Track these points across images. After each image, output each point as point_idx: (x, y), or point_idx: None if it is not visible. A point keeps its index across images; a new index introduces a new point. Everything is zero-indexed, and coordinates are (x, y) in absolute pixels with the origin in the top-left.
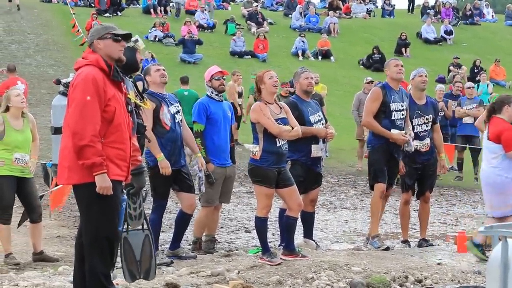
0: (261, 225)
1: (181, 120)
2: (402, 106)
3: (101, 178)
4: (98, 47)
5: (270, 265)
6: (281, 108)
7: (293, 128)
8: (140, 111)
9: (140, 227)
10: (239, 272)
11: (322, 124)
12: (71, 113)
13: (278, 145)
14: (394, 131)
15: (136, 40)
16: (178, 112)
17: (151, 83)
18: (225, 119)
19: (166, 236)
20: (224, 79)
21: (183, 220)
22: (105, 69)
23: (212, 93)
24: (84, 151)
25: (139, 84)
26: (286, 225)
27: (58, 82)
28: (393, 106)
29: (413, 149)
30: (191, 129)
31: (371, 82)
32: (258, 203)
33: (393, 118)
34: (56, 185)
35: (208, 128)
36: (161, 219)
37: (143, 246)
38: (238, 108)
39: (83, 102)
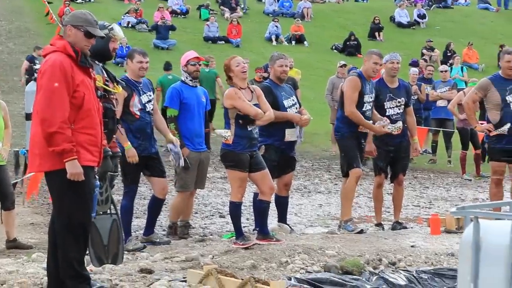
0: (235, 209)
1: (152, 109)
2: (371, 98)
3: (72, 164)
4: (68, 33)
5: (244, 248)
6: (252, 92)
7: (265, 113)
8: (111, 96)
9: (107, 211)
10: (213, 257)
11: (296, 108)
12: (39, 100)
13: (249, 129)
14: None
15: (111, 29)
16: (149, 101)
17: (129, 69)
18: (199, 104)
19: (140, 222)
20: (200, 65)
21: (156, 206)
22: (72, 55)
23: (187, 78)
24: (53, 138)
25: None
26: (259, 209)
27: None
28: (366, 97)
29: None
30: (164, 114)
31: (344, 65)
32: (232, 188)
33: (364, 109)
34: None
35: (182, 113)
36: (132, 204)
37: (111, 231)
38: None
39: (51, 89)
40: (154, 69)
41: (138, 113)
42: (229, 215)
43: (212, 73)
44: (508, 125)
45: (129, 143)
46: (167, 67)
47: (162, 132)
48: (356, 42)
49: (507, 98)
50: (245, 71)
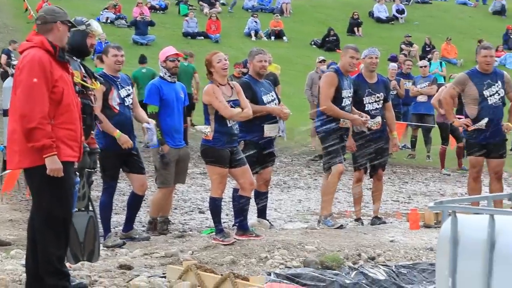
0: (215, 205)
1: (131, 103)
2: (349, 93)
3: (51, 160)
4: (56, 29)
5: (224, 245)
6: (232, 88)
7: (243, 110)
8: (89, 92)
9: (84, 208)
10: (193, 252)
11: (276, 104)
12: (18, 96)
13: (229, 125)
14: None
15: (88, 24)
16: (128, 95)
17: (106, 64)
18: (177, 100)
19: (119, 218)
20: (179, 61)
21: (135, 202)
22: (50, 50)
23: (165, 74)
24: (33, 134)
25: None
26: (239, 205)
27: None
28: (344, 92)
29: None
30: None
31: (323, 61)
32: (212, 184)
33: (343, 104)
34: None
35: (162, 109)
36: (111, 201)
37: (87, 228)
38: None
39: (30, 85)
40: (133, 65)
41: (117, 107)
42: (208, 211)
43: (190, 68)
44: (486, 119)
45: (117, 130)
46: (142, 60)
47: (142, 120)
48: (335, 38)
49: (484, 92)
50: (226, 68)
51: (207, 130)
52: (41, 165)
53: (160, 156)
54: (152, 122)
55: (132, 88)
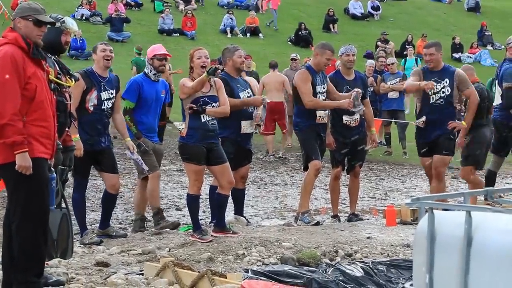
0: (192, 202)
1: (111, 108)
2: (323, 88)
3: (22, 157)
4: (18, 26)
5: (201, 242)
6: (211, 86)
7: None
8: (63, 89)
9: (57, 205)
10: (170, 249)
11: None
12: None
13: (203, 121)
14: (319, 112)
15: (63, 21)
16: (110, 99)
17: (95, 61)
18: (157, 100)
19: (96, 215)
20: (166, 61)
21: (108, 200)
22: (24, 47)
23: (150, 71)
24: (4, 130)
25: None
26: (217, 203)
27: None
28: (318, 88)
29: (360, 108)
30: None
31: (295, 59)
32: (189, 181)
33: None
34: None
35: (138, 106)
36: (83, 198)
37: (60, 225)
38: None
39: (2, 81)
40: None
41: (91, 108)
42: (185, 208)
43: None
44: (423, 118)
45: (77, 135)
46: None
47: (120, 133)
48: (307, 32)
49: (428, 90)
50: (205, 66)
51: (181, 127)
52: (15, 161)
53: (137, 146)
54: (134, 150)
55: (117, 93)
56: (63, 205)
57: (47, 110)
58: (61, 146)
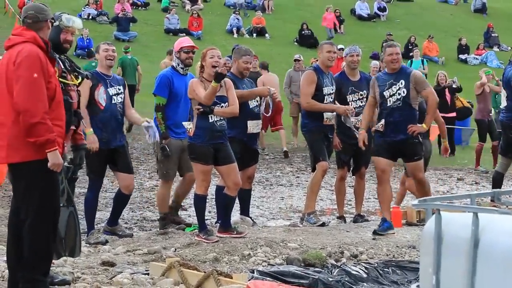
0: (199, 202)
1: (121, 102)
2: (332, 90)
3: (54, 154)
4: (47, 28)
5: (207, 242)
6: (221, 85)
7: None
8: (68, 88)
9: (64, 203)
10: (175, 249)
11: (257, 101)
12: (18, 91)
13: (210, 121)
14: (326, 114)
15: (60, 19)
16: (118, 94)
17: (98, 61)
18: (187, 94)
19: (102, 215)
20: (193, 54)
21: (120, 199)
22: (43, 46)
23: (178, 65)
24: (36, 129)
25: None
26: (223, 203)
27: None
28: (325, 90)
29: (352, 125)
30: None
31: (298, 60)
32: (196, 180)
33: (325, 102)
34: None
35: (168, 101)
36: (96, 198)
37: (68, 223)
38: None
39: (31, 80)
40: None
41: (103, 103)
42: (191, 208)
43: (134, 60)
44: (382, 121)
45: (91, 129)
46: (126, 49)
47: (135, 122)
48: (310, 32)
49: (384, 93)
50: (216, 66)
51: (189, 126)
52: (33, 161)
53: (161, 148)
54: (150, 120)
55: (124, 89)
56: (70, 202)
57: (62, 110)
58: (66, 145)
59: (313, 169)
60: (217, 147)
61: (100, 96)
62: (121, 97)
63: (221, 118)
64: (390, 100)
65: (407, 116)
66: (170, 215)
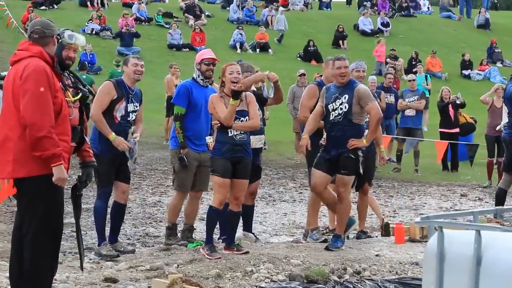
0: (211, 215)
1: (134, 120)
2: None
3: (59, 169)
4: (53, 44)
5: (209, 259)
6: (241, 100)
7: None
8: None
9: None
10: (178, 266)
11: (260, 115)
12: (25, 105)
13: (230, 135)
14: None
15: (63, 36)
16: (134, 111)
17: (125, 74)
18: (207, 106)
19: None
20: (214, 66)
21: (117, 211)
22: (49, 61)
23: (198, 76)
24: (42, 143)
25: None
26: (228, 220)
27: None
28: (329, 106)
29: None
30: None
31: (303, 75)
32: (214, 193)
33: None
34: None
35: (187, 112)
36: (106, 206)
37: None
38: None
39: (38, 94)
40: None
41: (119, 118)
42: (195, 224)
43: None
44: (325, 134)
45: (113, 133)
46: (118, 64)
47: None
48: (315, 48)
49: (328, 106)
50: (236, 82)
51: (209, 141)
52: (38, 176)
53: (179, 159)
54: (136, 139)
55: (140, 105)
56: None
57: (68, 125)
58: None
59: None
60: (236, 161)
61: (119, 110)
62: (135, 115)
63: (241, 132)
64: (332, 114)
65: (348, 132)
66: (184, 236)
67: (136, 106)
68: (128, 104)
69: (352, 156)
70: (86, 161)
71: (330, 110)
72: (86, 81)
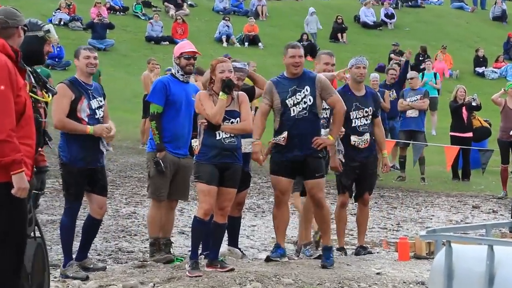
0: (196, 226)
1: (102, 117)
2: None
3: (20, 178)
4: (18, 35)
5: (189, 276)
6: (233, 99)
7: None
8: (38, 105)
9: (31, 234)
10: (154, 285)
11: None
12: None
13: (218, 138)
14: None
15: (48, 31)
16: (100, 107)
17: (78, 68)
18: (188, 103)
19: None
20: (195, 60)
21: (91, 227)
22: (12, 55)
23: (178, 72)
24: (1, 147)
25: None
26: (212, 233)
27: None
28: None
29: (341, 150)
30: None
31: None
32: (198, 202)
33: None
34: None
35: (165, 110)
36: (73, 223)
37: (35, 257)
38: None
39: None
40: None
41: (86, 119)
42: (174, 238)
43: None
44: (285, 133)
45: (90, 126)
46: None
47: None
48: (309, 42)
49: (287, 101)
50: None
51: (195, 144)
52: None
53: (154, 163)
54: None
55: (104, 99)
56: (38, 234)
57: (32, 127)
58: (35, 168)
59: (302, 193)
60: (223, 167)
61: (83, 110)
62: (102, 110)
63: (231, 135)
64: (293, 110)
65: (314, 128)
66: (162, 251)
67: (101, 101)
68: (91, 101)
69: (320, 155)
70: (39, 166)
71: (290, 106)
72: (42, 74)
